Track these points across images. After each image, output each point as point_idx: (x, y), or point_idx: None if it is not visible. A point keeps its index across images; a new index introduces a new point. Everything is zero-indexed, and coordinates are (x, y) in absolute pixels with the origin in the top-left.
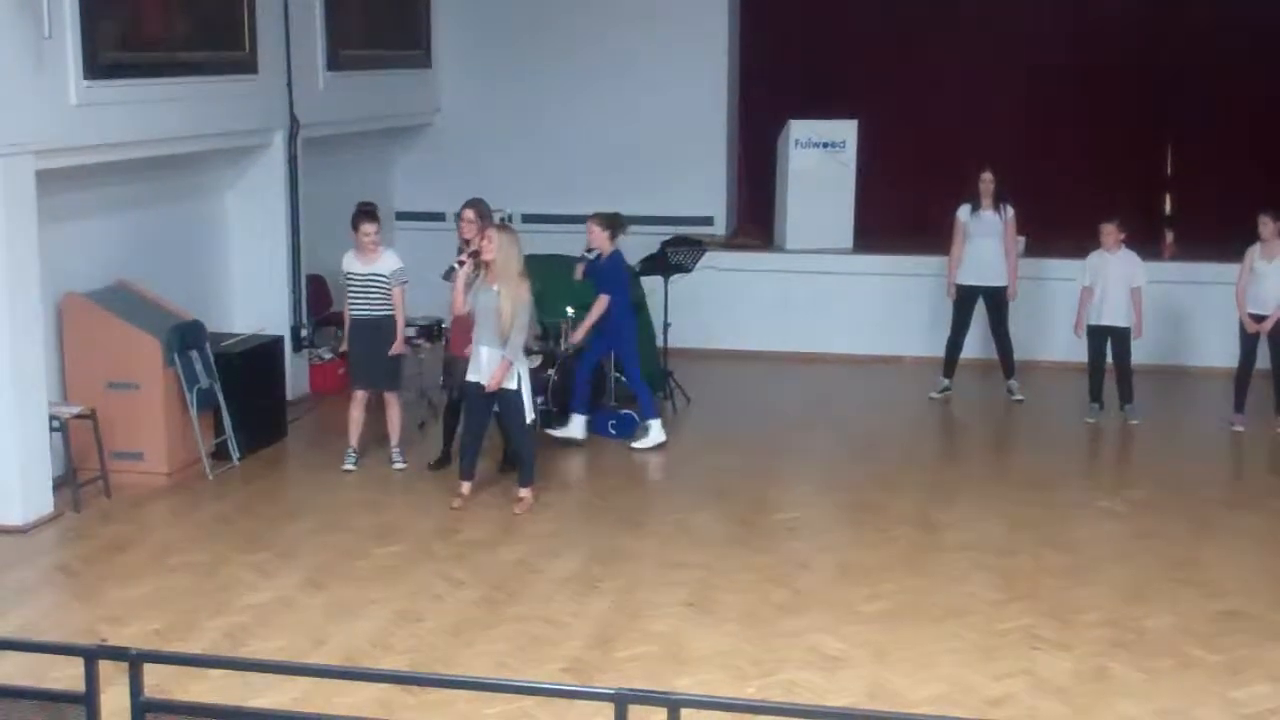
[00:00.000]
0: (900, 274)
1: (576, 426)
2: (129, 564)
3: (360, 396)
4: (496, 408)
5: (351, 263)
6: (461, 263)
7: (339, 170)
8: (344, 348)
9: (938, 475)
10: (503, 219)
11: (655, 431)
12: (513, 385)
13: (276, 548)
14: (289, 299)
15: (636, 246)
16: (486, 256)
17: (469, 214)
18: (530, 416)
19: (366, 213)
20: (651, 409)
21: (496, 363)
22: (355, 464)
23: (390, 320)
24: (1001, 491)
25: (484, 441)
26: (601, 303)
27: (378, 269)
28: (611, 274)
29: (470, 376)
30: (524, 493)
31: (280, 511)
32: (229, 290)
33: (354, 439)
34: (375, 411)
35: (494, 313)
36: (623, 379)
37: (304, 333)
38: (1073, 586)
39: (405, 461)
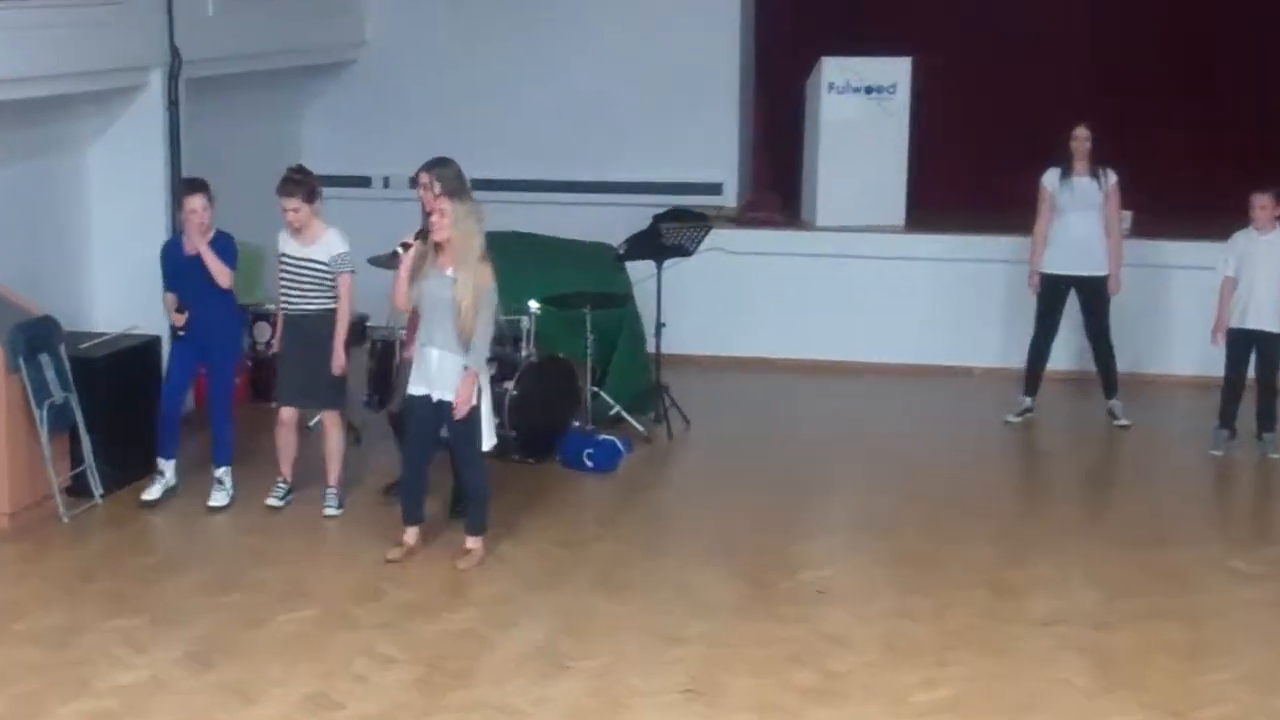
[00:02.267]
0: (966, 259)
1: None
2: None
3: (289, 415)
4: (445, 430)
5: (286, 243)
6: (407, 245)
7: (234, 120)
8: (276, 348)
9: (1014, 523)
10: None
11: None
12: (471, 399)
13: (151, 612)
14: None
15: (621, 222)
16: (439, 235)
17: (425, 178)
18: (489, 442)
19: (290, 181)
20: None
21: (453, 372)
22: (285, 499)
23: (330, 318)
24: (1098, 547)
25: (428, 474)
26: None
27: (313, 253)
28: None
29: (413, 388)
30: (472, 543)
31: (156, 564)
32: (90, 276)
33: (285, 467)
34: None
35: (449, 306)
36: (602, 394)
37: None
38: (1192, 673)
39: (340, 506)
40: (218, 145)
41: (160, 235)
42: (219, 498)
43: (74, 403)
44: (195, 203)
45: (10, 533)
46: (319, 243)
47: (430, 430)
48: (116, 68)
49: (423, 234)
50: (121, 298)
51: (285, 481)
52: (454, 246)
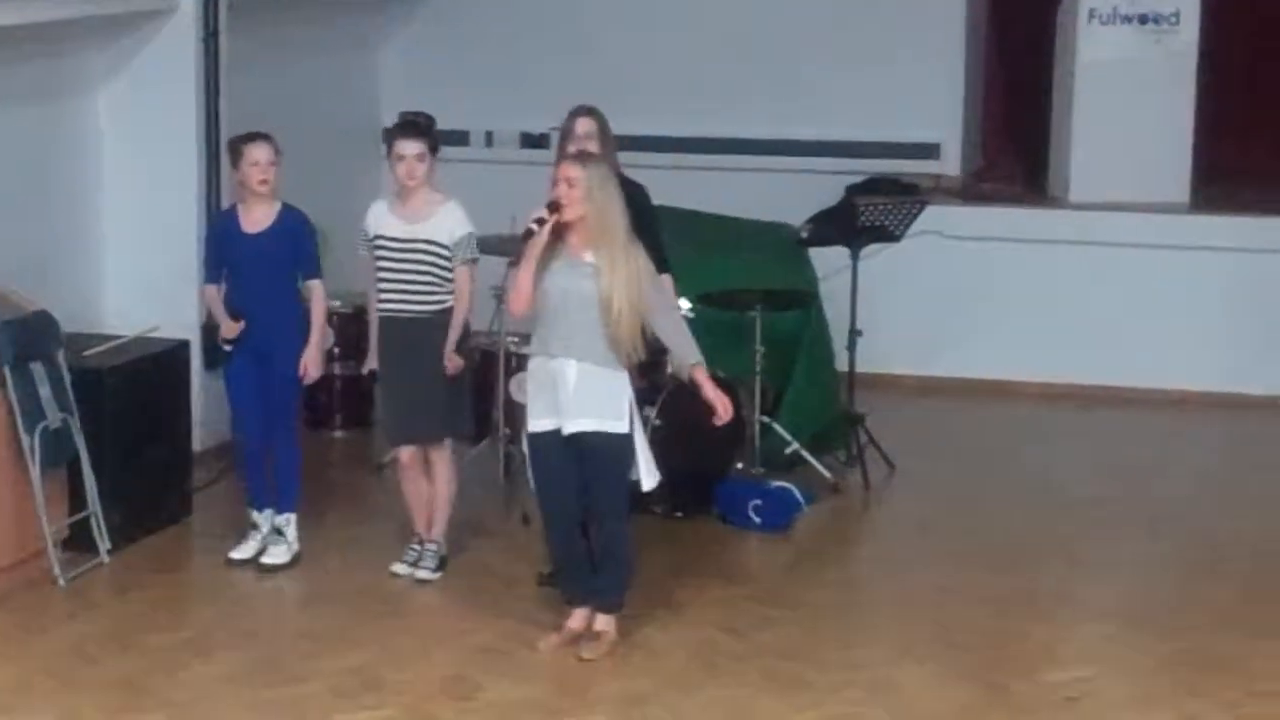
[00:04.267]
0: (1275, 249)
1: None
2: None
3: (410, 458)
4: (586, 465)
5: (382, 220)
6: (542, 220)
7: (288, 58)
8: (370, 365)
9: None
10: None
11: None
12: (621, 425)
13: (171, 708)
14: (203, 276)
15: (803, 194)
16: (570, 212)
17: (584, 126)
18: (651, 479)
19: (411, 124)
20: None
21: (603, 391)
22: (426, 566)
23: (444, 322)
24: None
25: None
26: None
27: (426, 231)
28: None
29: (536, 422)
30: (603, 623)
31: (179, 643)
32: (99, 260)
33: (420, 522)
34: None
35: (590, 303)
36: (776, 426)
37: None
38: None
39: (441, 569)
40: (266, 91)
41: (190, 206)
42: (278, 554)
43: (75, 428)
44: (259, 152)
45: None
46: (434, 219)
47: (570, 476)
48: None
49: (555, 206)
50: (139, 289)
51: (422, 542)
52: (592, 224)
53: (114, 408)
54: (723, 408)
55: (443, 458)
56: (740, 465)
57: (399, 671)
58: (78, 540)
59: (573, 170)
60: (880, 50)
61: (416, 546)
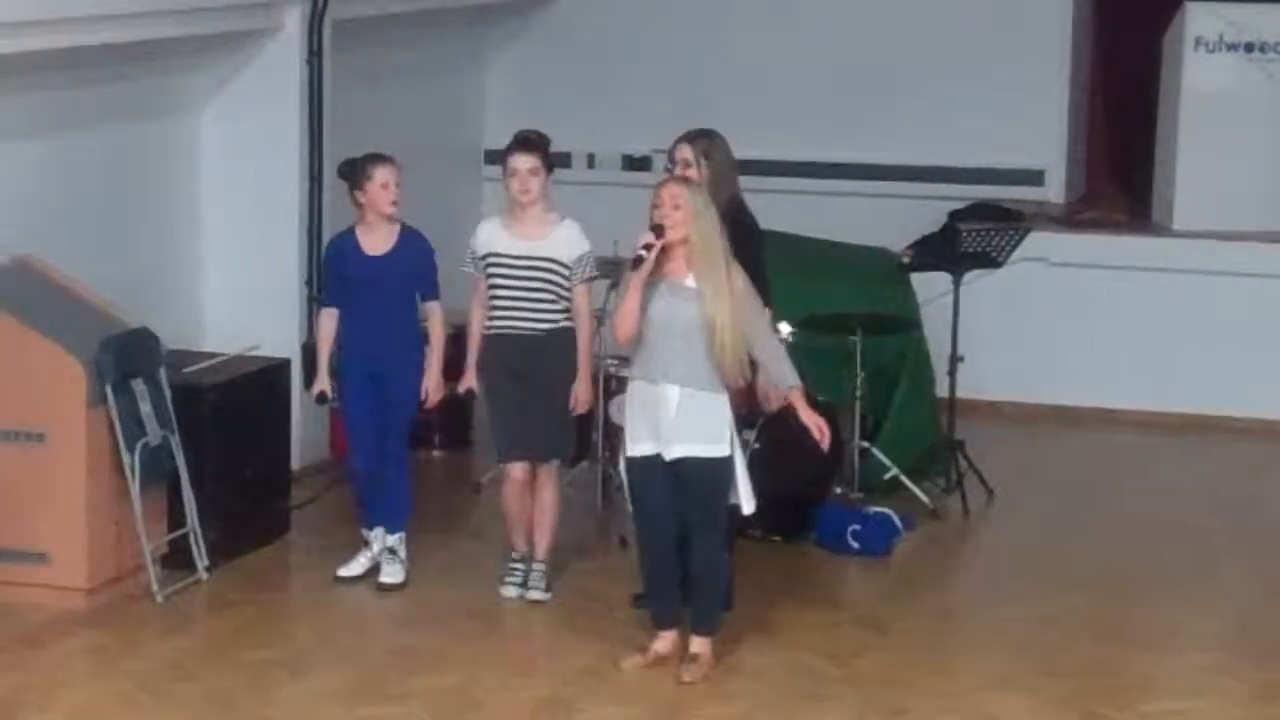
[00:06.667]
0: None
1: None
2: None
3: (522, 472)
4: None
5: (495, 237)
6: (650, 245)
7: (391, 79)
8: (467, 385)
9: None
10: (667, 168)
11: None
12: (722, 449)
13: None
14: (303, 295)
15: (905, 220)
16: (675, 233)
17: (680, 153)
18: (750, 504)
19: (528, 141)
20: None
21: (705, 416)
22: (534, 586)
23: (562, 339)
24: None
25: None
26: None
27: (551, 249)
28: None
29: (635, 447)
30: (699, 645)
31: (277, 660)
32: (200, 278)
33: (519, 540)
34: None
35: (695, 327)
36: (875, 451)
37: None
38: None
39: (548, 590)
40: (369, 111)
41: (292, 225)
42: (394, 573)
43: (175, 445)
44: (388, 174)
45: (88, 614)
46: (551, 237)
47: (669, 500)
48: (240, 3)
49: (660, 230)
50: (240, 307)
51: (525, 561)
52: (696, 246)
53: (214, 425)
54: (819, 430)
55: (550, 478)
56: (839, 490)
57: (495, 692)
58: (176, 557)
59: (676, 190)
60: (985, 76)
61: (520, 565)
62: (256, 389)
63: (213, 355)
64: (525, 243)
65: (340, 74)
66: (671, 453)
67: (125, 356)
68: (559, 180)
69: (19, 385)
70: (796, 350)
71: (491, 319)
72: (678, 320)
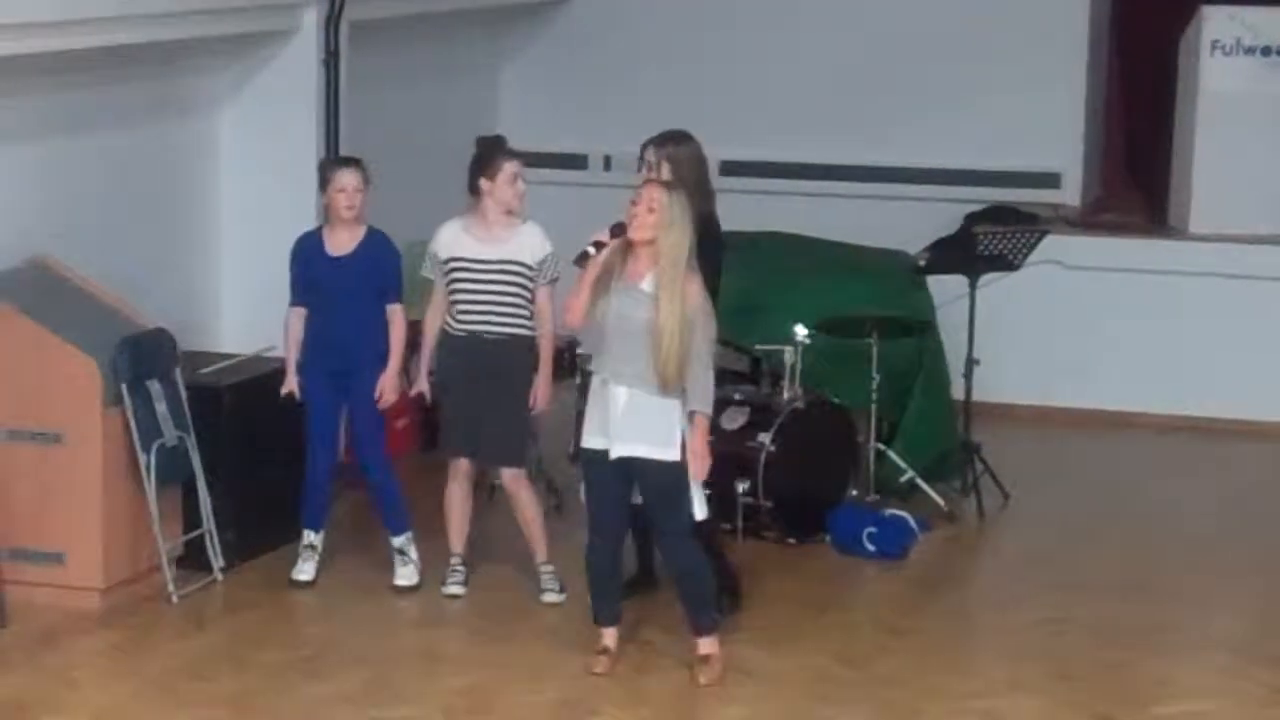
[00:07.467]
0: None
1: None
2: None
3: (463, 470)
4: (637, 492)
5: (457, 241)
6: (601, 243)
7: (408, 80)
8: (418, 389)
9: None
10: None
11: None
12: (670, 453)
13: None
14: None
15: (921, 222)
16: (640, 233)
17: (652, 156)
18: (700, 511)
19: (508, 149)
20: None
21: (651, 418)
22: (465, 584)
23: (520, 344)
24: None
25: (622, 556)
26: None
27: (515, 252)
28: None
29: (590, 439)
30: (706, 645)
31: (293, 662)
32: (217, 278)
33: (457, 542)
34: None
35: (644, 330)
36: (891, 453)
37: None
38: None
39: (561, 590)
40: (386, 111)
41: (309, 226)
42: (407, 574)
43: (191, 445)
44: (347, 179)
45: (104, 614)
46: (514, 240)
47: (617, 496)
48: (256, 5)
49: (621, 228)
50: (256, 308)
51: (462, 561)
52: (662, 250)
53: (230, 426)
54: (701, 467)
55: (520, 488)
56: (854, 492)
57: (510, 694)
58: (192, 558)
59: (657, 194)
60: (1002, 79)
61: (461, 567)
62: (272, 389)
63: (229, 356)
64: (489, 246)
65: (357, 75)
66: (616, 451)
67: (142, 357)
68: (575, 182)
69: (36, 386)
70: (812, 352)
71: (456, 321)
72: (628, 322)
